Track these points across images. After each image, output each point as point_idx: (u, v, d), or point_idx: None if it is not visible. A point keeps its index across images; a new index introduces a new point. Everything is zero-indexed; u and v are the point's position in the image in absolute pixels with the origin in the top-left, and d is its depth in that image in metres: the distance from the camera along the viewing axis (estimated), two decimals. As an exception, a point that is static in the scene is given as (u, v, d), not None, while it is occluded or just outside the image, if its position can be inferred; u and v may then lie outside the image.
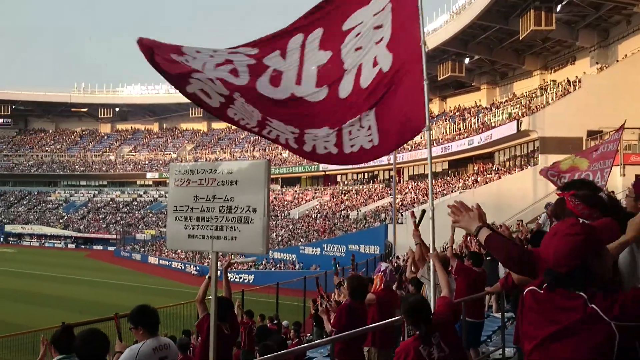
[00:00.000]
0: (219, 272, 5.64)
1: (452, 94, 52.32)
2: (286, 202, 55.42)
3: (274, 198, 54.78)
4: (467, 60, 44.07)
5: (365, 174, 54.46)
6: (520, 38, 34.17)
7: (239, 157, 65.24)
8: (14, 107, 77.80)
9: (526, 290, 2.18)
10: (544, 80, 40.43)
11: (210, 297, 3.50)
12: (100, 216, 68.13)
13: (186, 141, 76.74)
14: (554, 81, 37.76)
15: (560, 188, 2.76)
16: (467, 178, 39.40)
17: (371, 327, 6.10)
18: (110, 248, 59.34)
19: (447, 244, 9.63)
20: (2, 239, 66.55)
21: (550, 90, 36.31)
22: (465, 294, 7.02)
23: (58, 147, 79.48)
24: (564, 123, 29.34)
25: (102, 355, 3.71)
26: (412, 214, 5.57)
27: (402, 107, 4.42)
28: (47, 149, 79.06)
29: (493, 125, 37.62)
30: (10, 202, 73.46)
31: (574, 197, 2.56)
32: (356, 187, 52.76)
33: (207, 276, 5.86)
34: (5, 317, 21.87)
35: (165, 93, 74.80)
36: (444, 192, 38.19)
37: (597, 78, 31.41)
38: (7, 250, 56.83)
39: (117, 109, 78.82)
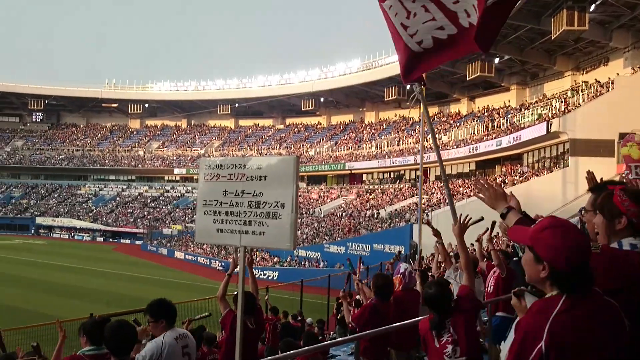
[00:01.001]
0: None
1: (481, 94, 51.75)
2: (312, 200, 55.51)
3: (300, 196, 54.90)
4: (496, 60, 43.51)
5: (391, 174, 54.27)
6: (552, 38, 33.59)
7: (266, 154, 65.51)
8: (47, 102, 79.36)
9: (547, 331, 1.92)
10: (575, 81, 39.72)
11: (235, 292, 3.52)
12: (128, 210, 69.14)
13: (214, 137, 77.39)
14: (586, 82, 37.06)
15: (606, 183, 2.66)
16: (494, 179, 38.95)
17: (388, 327, 6.07)
18: (137, 242, 60.19)
19: (475, 244, 9.53)
20: (33, 231, 68.05)
21: (582, 91, 35.66)
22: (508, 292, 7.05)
23: (88, 141, 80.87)
24: (595, 125, 28.80)
25: (129, 346, 3.78)
26: (428, 223, 5.76)
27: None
28: (78, 143, 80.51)
29: (522, 126, 37.12)
30: (42, 194, 75.02)
31: (623, 192, 2.44)
32: (382, 187, 52.57)
33: (226, 274, 5.89)
34: (34, 308, 22.36)
35: (193, 90, 75.66)
36: (471, 193, 37.80)
37: (630, 79, 30.73)
38: (37, 242, 58.08)
39: (146, 105, 79.84)
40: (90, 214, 69.22)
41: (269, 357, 5.89)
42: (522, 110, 41.13)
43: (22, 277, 32.11)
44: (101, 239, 64.52)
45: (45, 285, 29.45)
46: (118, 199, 72.74)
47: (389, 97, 56.46)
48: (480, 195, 2.94)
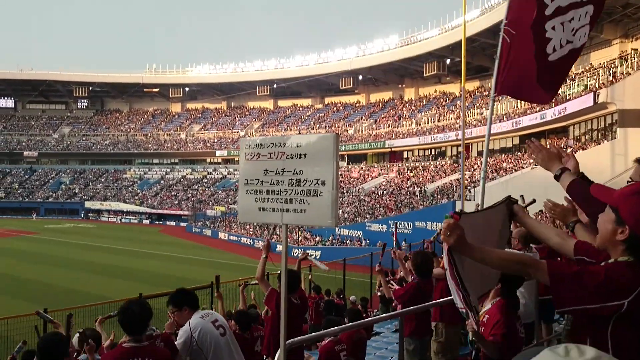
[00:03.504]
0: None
1: (524, 67, 50.36)
2: (352, 179, 55.46)
3: (340, 175, 54.81)
4: (540, 31, 42.17)
5: (433, 150, 53.63)
6: (599, 5, 32.29)
7: (305, 134, 65.60)
8: (91, 88, 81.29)
9: None
10: (624, 50, 38.21)
11: (279, 271, 3.57)
12: (172, 193, 70.55)
13: (253, 119, 77.92)
14: (636, 50, 35.62)
15: None
16: (530, 155, 37.99)
17: (435, 303, 6.05)
18: (182, 224, 61.44)
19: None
20: (82, 215, 70.25)
21: (631, 59, 34.30)
22: None
23: (132, 126, 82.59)
24: (646, 94, 27.75)
25: (139, 324, 3.77)
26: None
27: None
28: (122, 128, 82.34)
29: (568, 98, 36.03)
30: (89, 179, 77.20)
31: None
32: (423, 164, 52.06)
33: (262, 256, 5.98)
34: (86, 288, 23.16)
35: (232, 72, 76.13)
36: (515, 168, 37.09)
37: (683, 45, 29.41)
38: (87, 226, 59.96)
39: (186, 89, 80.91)
40: (136, 197, 70.92)
41: (313, 333, 5.96)
42: (568, 81, 39.87)
43: (73, 259, 33.27)
44: (147, 221, 66.10)
45: (96, 267, 30.43)
46: (162, 182, 74.25)
47: (428, 73, 55.60)
48: (534, 156, 2.87)
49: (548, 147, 2.84)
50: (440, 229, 2.30)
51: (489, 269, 2.49)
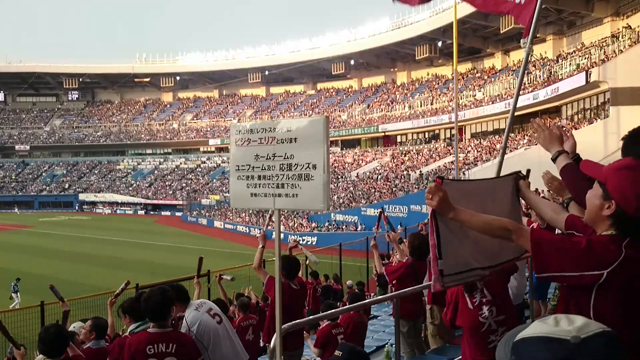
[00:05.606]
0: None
1: (516, 47, 50.17)
2: (346, 164, 55.44)
3: (334, 160, 54.88)
4: (531, 11, 42.01)
5: (426, 134, 53.63)
6: (589, -17, 32.23)
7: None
8: (81, 80, 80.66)
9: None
10: (616, 28, 38.12)
11: (274, 259, 3.56)
12: (166, 183, 70.40)
13: (246, 107, 77.61)
14: (627, 28, 35.55)
15: None
16: (532, 134, 38.07)
17: (426, 285, 6.07)
18: (177, 213, 61.38)
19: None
20: (77, 207, 70.05)
21: (622, 37, 34.25)
22: None
23: (124, 117, 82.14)
24: (638, 72, 27.72)
25: (163, 312, 3.90)
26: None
27: None
28: (114, 119, 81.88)
29: (560, 77, 36.02)
30: (83, 171, 76.90)
31: None
32: (417, 147, 52.07)
33: (260, 246, 5.99)
34: (83, 280, 23.16)
35: (223, 60, 75.66)
36: (509, 148, 37.12)
37: (674, 22, 29.37)
38: (82, 218, 59.85)
39: (178, 78, 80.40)
40: (131, 188, 70.74)
41: (308, 317, 5.98)
42: (560, 61, 39.87)
43: (68, 251, 33.23)
44: (142, 212, 66.00)
45: (92, 259, 30.42)
46: (156, 172, 74.05)
47: (420, 56, 55.42)
48: (535, 135, 2.88)
49: (550, 127, 2.84)
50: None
51: (505, 243, 2.48)
